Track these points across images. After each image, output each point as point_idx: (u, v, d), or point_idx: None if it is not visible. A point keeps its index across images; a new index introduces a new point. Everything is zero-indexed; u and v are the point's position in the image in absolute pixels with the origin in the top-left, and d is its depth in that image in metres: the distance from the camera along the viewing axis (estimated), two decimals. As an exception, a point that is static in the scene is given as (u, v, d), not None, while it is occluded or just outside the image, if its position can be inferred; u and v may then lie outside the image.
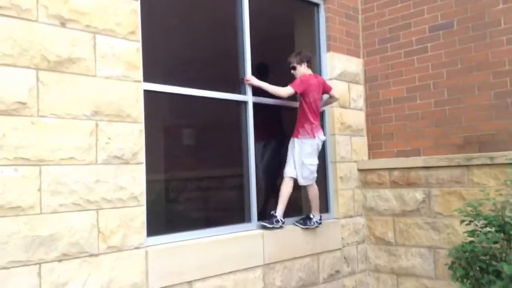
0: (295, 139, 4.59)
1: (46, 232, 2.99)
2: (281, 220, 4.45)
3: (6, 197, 2.84)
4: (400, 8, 5.36)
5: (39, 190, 2.99)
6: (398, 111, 5.40)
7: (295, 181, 4.56)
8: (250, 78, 4.45)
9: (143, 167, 3.56)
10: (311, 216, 4.72)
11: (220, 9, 4.64)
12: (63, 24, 3.15)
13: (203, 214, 4.31)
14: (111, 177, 3.35)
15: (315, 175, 4.63)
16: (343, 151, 5.34)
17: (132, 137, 3.49)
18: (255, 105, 4.57)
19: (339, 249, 5.14)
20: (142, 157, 3.55)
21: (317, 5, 5.36)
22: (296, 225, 4.70)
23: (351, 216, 5.36)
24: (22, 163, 2.93)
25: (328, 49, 5.33)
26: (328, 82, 5.21)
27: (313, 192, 4.69)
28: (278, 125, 5.15)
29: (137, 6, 3.57)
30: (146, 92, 3.65)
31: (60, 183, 3.09)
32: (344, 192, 5.32)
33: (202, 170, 4.40)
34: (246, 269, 4.14)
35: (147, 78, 3.66)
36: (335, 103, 5.16)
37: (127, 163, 3.45)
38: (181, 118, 4.38)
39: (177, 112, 4.30)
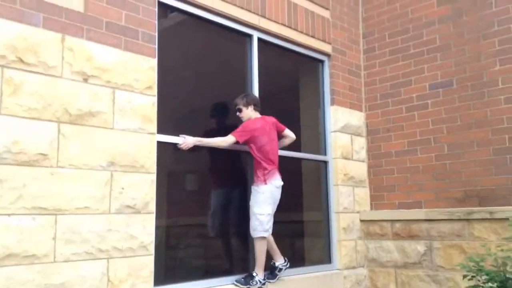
0: (252, 187, 4.29)
1: (58, 281, 3.06)
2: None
3: (22, 245, 2.93)
4: (400, 66, 5.60)
5: (54, 238, 3.08)
6: (399, 163, 5.54)
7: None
8: (184, 142, 3.94)
9: (153, 217, 3.66)
10: (254, 274, 4.18)
11: (232, 61, 4.86)
12: (85, 80, 3.33)
13: (203, 263, 4.36)
14: (123, 226, 3.44)
15: (266, 227, 4.14)
16: (346, 202, 5.44)
17: (144, 187, 3.60)
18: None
19: (342, 300, 5.14)
20: (153, 206, 3.66)
21: (322, 61, 5.61)
22: (236, 285, 4.13)
23: (353, 267, 5.39)
24: (39, 212, 3.03)
25: (332, 103, 5.53)
26: (333, 134, 5.40)
27: (269, 242, 4.24)
28: (238, 170, 4.80)
29: (154, 63, 3.78)
30: (159, 143, 3.80)
31: (74, 232, 3.18)
32: (346, 243, 5.37)
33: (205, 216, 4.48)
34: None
35: (160, 130, 3.81)
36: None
37: (138, 212, 3.55)
38: (187, 166, 4.49)
39: (184, 160, 4.42)
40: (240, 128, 4.21)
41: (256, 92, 4.75)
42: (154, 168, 3.69)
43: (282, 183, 4.31)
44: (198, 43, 4.55)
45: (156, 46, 3.82)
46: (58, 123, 3.17)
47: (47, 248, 3.04)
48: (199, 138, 4.02)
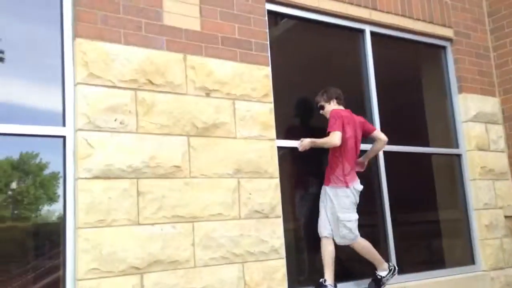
0: (326, 188, 3.88)
1: (199, 285, 3.24)
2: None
3: (166, 252, 3.17)
4: (537, 41, 5.01)
5: (193, 244, 3.28)
6: (547, 150, 4.92)
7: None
8: (301, 144, 3.88)
9: (281, 220, 3.72)
10: (379, 276, 3.91)
11: (344, 59, 4.79)
12: (207, 94, 3.53)
13: (340, 267, 4.28)
14: (253, 231, 3.55)
15: (357, 233, 3.80)
16: (487, 197, 4.97)
17: (270, 192, 3.69)
18: (387, 154, 4.54)
19: (492, 304, 4.69)
20: (279, 210, 3.72)
21: (443, 47, 5.25)
22: None
23: (501, 268, 4.89)
24: (178, 220, 3.26)
25: (460, 91, 5.13)
26: (464, 125, 5.00)
27: (362, 249, 3.87)
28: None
29: (268, 71, 3.88)
30: (279, 148, 3.86)
31: (210, 237, 3.36)
32: (491, 241, 4.90)
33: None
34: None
35: (279, 135, 3.88)
36: (382, 147, 4.24)
37: (266, 217, 3.63)
38: (308, 169, 4.47)
39: (304, 163, 4.40)
40: (331, 120, 3.81)
41: (373, 87, 4.61)
42: (277, 172, 3.76)
43: (362, 187, 3.89)
44: (309, 45, 4.56)
45: (269, 54, 3.92)
46: (188, 136, 3.40)
47: (188, 254, 3.25)
48: (313, 140, 3.85)
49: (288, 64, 4.33)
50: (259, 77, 3.81)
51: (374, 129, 4.14)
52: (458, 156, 5.08)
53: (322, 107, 4.05)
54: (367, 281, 4.09)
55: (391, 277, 3.96)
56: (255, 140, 3.69)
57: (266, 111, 3.79)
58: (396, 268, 4.02)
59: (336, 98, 4.03)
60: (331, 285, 3.71)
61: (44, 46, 3.25)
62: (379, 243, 4.43)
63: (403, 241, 4.54)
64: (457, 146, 5.10)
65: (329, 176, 3.88)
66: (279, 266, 3.61)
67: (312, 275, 4.04)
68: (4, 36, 3.12)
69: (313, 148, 3.89)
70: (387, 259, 4.34)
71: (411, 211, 4.79)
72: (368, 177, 4.56)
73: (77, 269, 2.90)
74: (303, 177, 4.33)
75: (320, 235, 3.84)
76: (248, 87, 3.73)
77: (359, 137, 3.99)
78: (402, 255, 4.44)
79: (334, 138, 3.73)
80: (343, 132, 3.79)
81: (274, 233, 3.64)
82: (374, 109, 4.60)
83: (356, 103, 4.71)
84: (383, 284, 3.93)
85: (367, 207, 4.56)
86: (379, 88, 4.62)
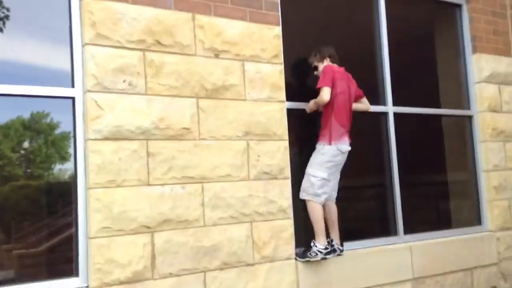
0: (316, 145, 3.82)
1: (209, 243, 3.33)
2: (322, 251, 3.61)
3: (175, 212, 3.24)
4: (558, -2, 4.83)
5: (202, 204, 3.34)
6: (561, 112, 4.85)
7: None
8: (308, 106, 3.88)
9: (289, 182, 3.75)
10: (312, 243, 3.66)
11: (356, 17, 4.67)
12: (216, 56, 3.49)
13: (346, 226, 4.35)
14: (261, 192, 3.59)
15: (319, 193, 3.66)
16: (496, 159, 4.95)
17: (278, 154, 3.70)
18: (397, 115, 4.51)
19: (495, 264, 4.77)
20: (288, 172, 3.75)
21: (459, 6, 5.09)
22: (296, 259, 3.68)
23: (508, 229, 4.94)
24: (188, 181, 3.30)
25: (474, 51, 5.02)
26: (477, 86, 4.93)
27: (312, 212, 3.68)
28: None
29: (279, 30, 3.80)
30: (288, 111, 3.84)
31: (219, 198, 3.41)
32: (498, 202, 4.92)
33: (343, 181, 4.45)
34: (394, 282, 4.09)
35: (288, 97, 3.84)
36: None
37: (275, 178, 3.66)
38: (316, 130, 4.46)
39: (313, 126, 4.39)
40: (321, 76, 3.74)
41: (385, 46, 4.52)
42: (286, 135, 3.76)
43: (349, 148, 3.78)
44: (320, 4, 4.43)
45: (280, 13, 3.83)
46: (197, 98, 3.39)
47: (197, 214, 3.32)
48: (315, 100, 3.79)
49: (299, 24, 4.23)
50: (269, 37, 3.74)
51: (363, 95, 4.05)
52: (469, 117, 5.04)
53: (316, 68, 3.95)
54: (375, 240, 4.18)
55: (324, 255, 3.63)
56: (265, 102, 3.67)
57: (276, 72, 3.74)
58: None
59: (329, 57, 3.91)
60: (323, 247, 3.61)
61: (51, 6, 3.19)
62: (386, 204, 4.49)
63: (411, 202, 4.58)
64: (468, 108, 5.05)
65: (319, 134, 3.81)
66: (287, 226, 3.68)
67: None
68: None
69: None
70: (393, 220, 4.42)
71: (419, 173, 4.81)
72: (377, 138, 4.56)
73: (89, 227, 2.98)
74: (312, 139, 4.32)
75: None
76: (258, 47, 3.67)
77: (353, 94, 3.89)
78: (409, 216, 4.49)
79: (322, 95, 3.66)
80: (333, 87, 3.70)
81: (282, 194, 3.69)
82: (385, 69, 4.54)
83: (368, 62, 4.64)
84: (310, 256, 3.63)
85: (376, 168, 4.60)
86: (391, 47, 4.53)
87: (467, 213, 5.03)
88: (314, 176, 3.68)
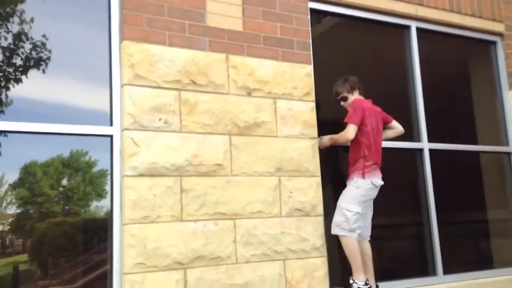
0: (347, 182, 3.71)
1: (241, 281, 3.30)
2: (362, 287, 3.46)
3: (208, 248, 3.25)
4: None
5: (234, 241, 3.34)
6: None
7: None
8: (321, 142, 3.82)
9: (322, 219, 3.71)
10: (351, 280, 3.49)
11: (389, 57, 4.71)
12: (249, 94, 3.57)
13: (382, 266, 4.23)
14: (294, 229, 3.56)
15: (353, 227, 3.50)
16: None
17: (311, 190, 3.69)
18: (433, 152, 4.44)
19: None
20: (321, 209, 3.72)
21: (493, 42, 5.06)
22: None
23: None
24: (220, 217, 3.32)
25: (511, 87, 4.93)
26: None
27: (348, 248, 3.51)
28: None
29: (310, 69, 3.87)
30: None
31: (251, 234, 3.40)
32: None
33: (378, 219, 4.36)
34: (434, 326, 3.92)
35: (320, 133, 3.85)
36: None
37: (307, 215, 3.64)
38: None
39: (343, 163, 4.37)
40: (351, 111, 3.62)
41: (419, 85, 4.50)
42: (318, 171, 3.76)
43: (382, 183, 3.66)
44: (352, 43, 4.52)
45: (311, 53, 3.91)
46: (229, 135, 3.46)
47: (229, 251, 3.31)
48: (331, 136, 3.77)
49: (331, 62, 4.30)
50: (301, 75, 3.81)
51: (392, 119, 3.93)
52: (509, 154, 4.90)
53: (345, 99, 3.81)
54: (413, 281, 4.04)
55: None
56: (296, 138, 3.70)
57: (307, 109, 3.79)
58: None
59: (359, 88, 3.79)
60: (363, 283, 3.47)
61: (92, 48, 3.39)
62: (424, 243, 4.36)
63: (449, 241, 4.43)
64: (507, 144, 4.92)
65: (349, 170, 3.70)
66: (320, 264, 3.62)
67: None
68: (54, 39, 3.27)
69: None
70: (432, 260, 4.27)
71: (458, 211, 4.67)
72: (413, 175, 4.49)
73: (124, 263, 3.02)
74: (341, 175, 4.29)
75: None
76: (290, 85, 3.74)
77: (381, 129, 3.79)
78: (447, 255, 4.34)
79: (347, 132, 3.57)
80: (364, 124, 3.62)
81: (315, 231, 3.65)
82: (419, 107, 4.51)
83: (401, 101, 4.63)
84: None
85: (412, 206, 4.50)
86: (425, 85, 4.51)
87: (509, 253, 4.80)
88: (349, 211, 3.52)
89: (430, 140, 4.48)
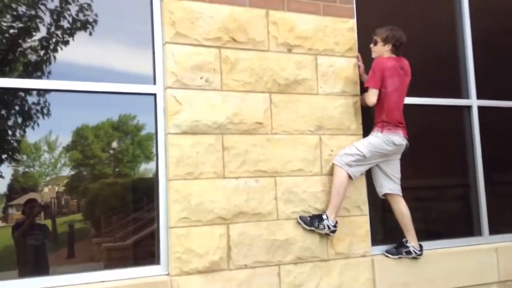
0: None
1: (282, 237, 3.35)
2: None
3: (249, 204, 3.30)
4: None
5: (275, 198, 3.38)
6: None
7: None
8: (363, 100, 3.71)
9: (364, 177, 3.68)
10: (324, 216, 3.41)
11: (437, 10, 4.48)
12: (289, 50, 3.52)
13: (425, 226, 4.17)
14: (335, 187, 3.55)
15: (353, 164, 3.47)
16: None
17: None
18: (481, 109, 4.26)
19: None
20: (363, 167, 3.67)
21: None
22: (299, 222, 3.44)
23: None
24: (261, 175, 3.36)
25: None
26: None
27: (335, 180, 3.48)
28: None
29: (353, 23, 3.75)
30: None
31: (291, 192, 3.43)
32: None
33: (421, 180, 4.27)
34: (477, 285, 3.87)
35: (363, 91, 3.76)
36: None
37: (349, 174, 3.61)
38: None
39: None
40: (370, 73, 3.57)
41: (468, 39, 4.28)
42: (360, 129, 3.70)
43: (404, 142, 3.60)
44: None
45: (354, 6, 3.78)
46: (269, 93, 3.44)
47: (270, 207, 3.36)
48: (361, 97, 3.72)
49: (375, 16, 4.14)
50: (343, 30, 3.70)
51: None
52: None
53: (375, 42, 3.69)
54: (457, 241, 3.98)
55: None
56: (337, 96, 3.64)
57: (349, 66, 3.70)
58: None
59: (393, 45, 3.62)
60: (413, 247, 3.63)
61: (134, 8, 3.40)
62: (470, 203, 4.26)
63: (496, 202, 4.32)
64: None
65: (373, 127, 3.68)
66: (362, 223, 3.62)
67: (395, 233, 4.00)
68: (98, 1, 3.31)
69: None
70: (478, 220, 4.19)
71: (505, 171, 4.51)
72: (460, 134, 4.34)
73: (169, 218, 3.12)
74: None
75: (380, 195, 3.69)
76: (331, 41, 3.65)
77: (405, 87, 3.66)
78: (494, 215, 4.25)
79: (368, 97, 3.56)
80: (384, 86, 3.54)
81: (357, 190, 3.63)
82: (468, 62, 4.34)
83: (449, 55, 4.43)
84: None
85: (458, 165, 4.38)
86: (474, 39, 4.29)
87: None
88: (357, 148, 3.52)
89: (479, 97, 4.29)
